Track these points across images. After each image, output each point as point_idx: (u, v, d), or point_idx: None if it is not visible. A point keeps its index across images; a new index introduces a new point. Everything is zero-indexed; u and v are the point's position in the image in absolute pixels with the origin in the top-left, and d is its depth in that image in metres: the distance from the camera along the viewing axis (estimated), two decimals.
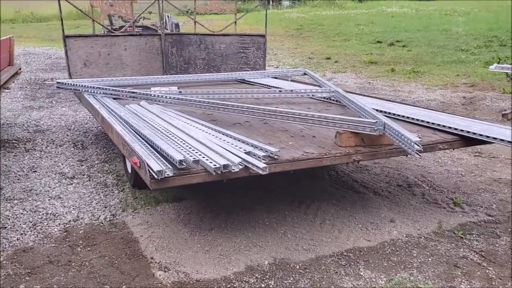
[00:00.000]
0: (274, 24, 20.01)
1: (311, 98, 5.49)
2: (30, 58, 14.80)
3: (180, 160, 2.93)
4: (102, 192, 4.72)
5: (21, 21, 30.66)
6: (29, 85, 10.70)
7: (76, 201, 4.49)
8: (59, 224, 4.01)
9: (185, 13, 9.55)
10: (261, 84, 6.78)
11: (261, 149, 3.31)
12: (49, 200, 4.52)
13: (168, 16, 12.19)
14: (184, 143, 3.37)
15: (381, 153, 3.58)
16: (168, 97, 4.86)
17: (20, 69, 6.65)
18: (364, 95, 5.99)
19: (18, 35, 22.39)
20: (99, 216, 4.17)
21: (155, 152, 3.26)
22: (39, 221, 4.06)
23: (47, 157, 5.77)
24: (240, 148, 3.30)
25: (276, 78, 7.33)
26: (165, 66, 7.57)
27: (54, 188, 4.82)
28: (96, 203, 4.45)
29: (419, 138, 3.60)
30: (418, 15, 22.68)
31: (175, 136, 3.57)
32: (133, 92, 5.20)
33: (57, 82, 5.98)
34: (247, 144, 3.45)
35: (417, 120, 4.34)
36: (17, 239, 3.74)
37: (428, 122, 4.21)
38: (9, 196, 4.57)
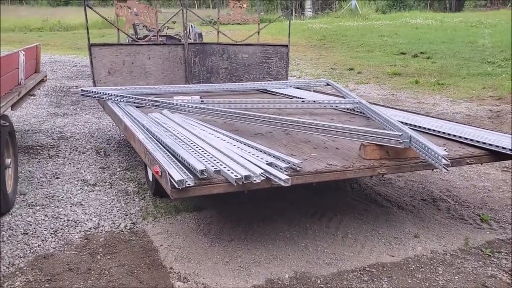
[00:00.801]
0: (297, 35, 19.99)
1: (334, 109, 5.42)
2: (56, 65, 15.07)
3: (201, 170, 2.90)
4: (123, 200, 4.72)
5: (49, 29, 31.30)
6: (55, 92, 10.88)
7: (97, 209, 4.51)
8: (79, 231, 4.02)
9: (208, 23, 9.60)
10: (283, 94, 6.75)
11: (283, 160, 3.26)
12: (70, 206, 4.54)
13: (191, 25, 12.30)
14: (205, 153, 3.35)
15: (406, 166, 3.49)
16: (190, 106, 4.86)
17: (46, 76, 6.75)
18: (388, 107, 5.89)
19: (45, 43, 22.87)
20: (120, 224, 4.17)
21: (177, 161, 3.25)
22: (60, 228, 4.07)
23: (70, 163, 5.83)
24: (262, 159, 3.25)
25: (298, 88, 7.29)
26: (187, 75, 7.60)
27: (76, 195, 4.84)
28: (117, 211, 4.45)
29: (446, 152, 3.50)
30: (443, 26, 22.37)
31: (197, 145, 3.55)
32: (156, 101, 5.22)
33: (82, 90, 6.04)
34: (269, 155, 3.41)
35: (443, 133, 4.23)
36: (38, 245, 3.75)
37: (455, 136, 4.10)
38: (32, 202, 4.61)
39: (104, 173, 5.51)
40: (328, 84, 7.43)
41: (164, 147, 3.61)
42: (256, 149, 3.55)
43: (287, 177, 2.93)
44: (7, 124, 3.97)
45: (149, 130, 4.12)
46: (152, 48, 7.33)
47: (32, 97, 5.90)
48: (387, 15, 30.17)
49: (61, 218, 4.27)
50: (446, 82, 11.78)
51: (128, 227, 4.10)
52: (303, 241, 3.88)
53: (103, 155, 6.21)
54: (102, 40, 20.60)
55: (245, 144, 3.69)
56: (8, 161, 4.34)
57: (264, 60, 7.82)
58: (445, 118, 5.37)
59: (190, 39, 11.74)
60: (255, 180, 2.92)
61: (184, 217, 4.31)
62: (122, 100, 5.56)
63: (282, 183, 2.93)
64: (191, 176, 2.88)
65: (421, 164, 3.49)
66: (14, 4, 45.75)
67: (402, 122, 4.24)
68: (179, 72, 7.57)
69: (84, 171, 5.55)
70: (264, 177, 2.97)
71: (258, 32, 7.86)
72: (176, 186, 2.80)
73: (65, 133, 7.28)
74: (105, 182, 5.20)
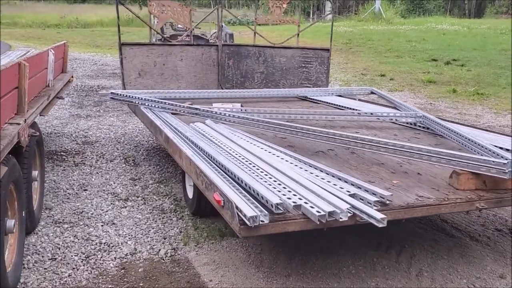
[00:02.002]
0: (321, 37, 19.38)
1: (393, 123, 4.87)
2: (76, 63, 14.67)
3: (276, 204, 2.38)
4: (160, 219, 4.22)
5: (66, 26, 31.11)
6: (76, 91, 10.44)
7: (131, 229, 4.00)
8: (114, 258, 3.52)
9: (244, 23, 9.10)
10: (327, 102, 6.21)
11: (365, 190, 2.72)
12: (102, 226, 4.04)
13: (222, 26, 11.79)
14: (271, 178, 2.83)
15: (508, 200, 2.94)
16: (235, 116, 4.35)
17: (72, 76, 6.29)
18: (449, 121, 5.29)
19: (63, 40, 22.59)
20: (159, 249, 3.66)
21: (238, 186, 2.73)
22: (92, 253, 3.57)
23: (97, 173, 5.34)
24: (341, 188, 2.72)
25: (340, 96, 6.75)
26: (220, 79, 7.10)
27: (106, 211, 4.35)
28: (154, 233, 3.95)
29: None
30: (471, 33, 21.66)
31: (258, 167, 3.03)
32: (196, 109, 4.72)
33: (111, 93, 5.57)
34: (345, 181, 2.87)
35: None
36: (69, 275, 3.26)
37: None
38: (59, 219, 4.13)
39: (135, 185, 5.02)
40: (372, 92, 6.89)
41: (219, 167, 3.09)
42: (327, 173, 3.02)
43: (383, 215, 2.39)
44: (37, 134, 3.49)
45: (196, 144, 3.61)
46: (185, 49, 6.84)
47: (60, 99, 5.42)
48: (411, 19, 29.49)
49: (93, 240, 3.77)
50: (485, 92, 11.15)
51: (169, 255, 3.59)
52: (373, 279, 3.34)
53: (132, 164, 5.72)
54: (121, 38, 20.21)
55: (311, 167, 3.16)
56: (35, 173, 3.86)
57: (303, 65, 7.29)
58: None
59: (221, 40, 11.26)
60: (341, 218, 2.39)
61: (230, 243, 3.79)
62: (156, 106, 5.07)
63: (375, 223, 2.40)
64: (265, 212, 2.36)
65: None
66: (32, 0, 45.83)
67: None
68: (212, 76, 7.07)
69: (114, 183, 5.06)
70: (350, 213, 2.44)
71: (298, 35, 7.34)
72: (248, 223, 2.27)
73: (89, 137, 6.81)
74: (138, 197, 4.70)
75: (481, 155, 3.33)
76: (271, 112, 4.80)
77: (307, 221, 2.44)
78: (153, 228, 4.04)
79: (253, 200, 2.50)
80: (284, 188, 2.66)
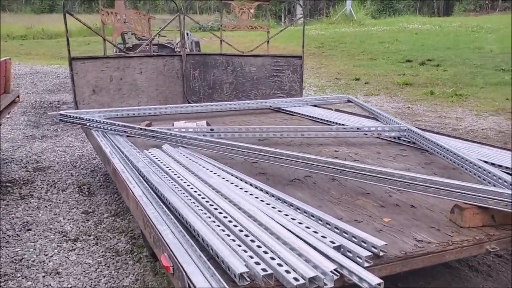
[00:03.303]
0: (294, 42, 18.94)
1: (376, 137, 4.38)
2: (37, 77, 13.87)
3: (241, 274, 1.82)
4: (113, 263, 3.62)
5: (32, 37, 30.07)
6: (34, 109, 9.72)
7: (78, 279, 3.39)
8: None
9: (208, 30, 8.55)
10: (301, 114, 5.70)
11: (353, 236, 2.19)
12: (43, 277, 3.42)
13: (187, 33, 11.19)
14: (238, 227, 2.26)
15: None
16: (198, 139, 3.78)
17: (18, 96, 5.62)
18: (430, 131, 4.82)
19: (26, 52, 21.66)
20: None
21: (193, 243, 2.16)
22: None
23: (45, 207, 4.70)
24: (323, 237, 2.18)
25: (316, 106, 6.26)
26: (186, 92, 6.52)
27: (51, 256, 3.72)
28: (105, 283, 3.35)
29: None
30: (443, 32, 21.61)
31: (223, 211, 2.46)
32: (152, 131, 4.13)
33: (60, 114, 4.94)
34: (327, 224, 2.33)
35: None
36: None
37: None
38: None
39: (88, 220, 4.39)
40: (349, 101, 6.42)
41: (172, 212, 2.52)
42: (305, 213, 2.48)
43: (379, 280, 1.85)
44: None
45: (147, 180, 3.03)
46: (144, 61, 6.24)
47: None
48: (382, 20, 29.45)
49: None
50: (464, 92, 10.85)
51: None
52: None
53: (86, 193, 5.08)
54: (87, 49, 19.37)
55: (286, 203, 2.61)
56: None
57: (275, 74, 6.77)
58: None
59: (186, 48, 10.67)
60: (325, 285, 1.84)
61: None
62: (109, 128, 4.47)
63: None
64: (224, 284, 1.79)
65: None
66: None
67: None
68: (176, 88, 6.49)
69: (64, 219, 4.43)
70: (337, 275, 1.90)
71: (268, 42, 6.82)
72: None
73: (42, 162, 6.14)
74: (89, 236, 4.08)
75: (483, 179, 2.85)
76: (240, 131, 4.27)
77: None
78: (104, 277, 3.43)
79: (210, 264, 1.93)
80: (253, 241, 2.10)
